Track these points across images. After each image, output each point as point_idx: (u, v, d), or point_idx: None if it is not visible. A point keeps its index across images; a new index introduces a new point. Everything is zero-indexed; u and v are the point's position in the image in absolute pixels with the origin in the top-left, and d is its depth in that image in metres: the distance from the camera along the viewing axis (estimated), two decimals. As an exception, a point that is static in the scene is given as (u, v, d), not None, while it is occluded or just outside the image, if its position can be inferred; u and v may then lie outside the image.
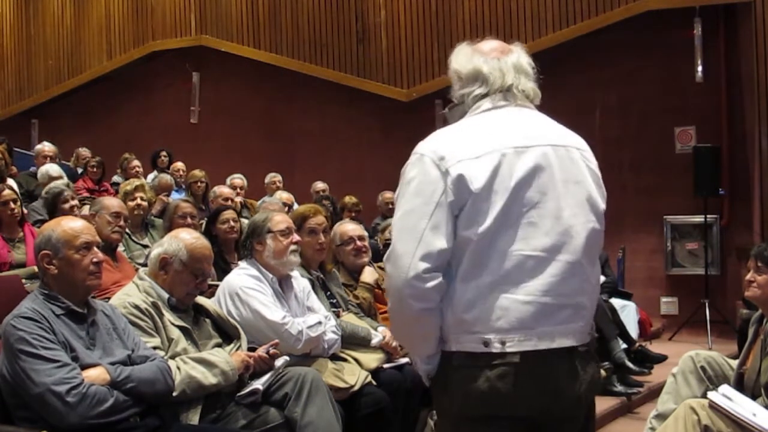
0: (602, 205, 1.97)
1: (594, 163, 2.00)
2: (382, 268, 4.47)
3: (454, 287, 1.83)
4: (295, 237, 3.53)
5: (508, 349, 1.79)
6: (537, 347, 1.80)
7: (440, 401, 1.94)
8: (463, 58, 2.02)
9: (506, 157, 1.83)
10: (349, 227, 4.32)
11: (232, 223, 4.58)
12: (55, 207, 4.77)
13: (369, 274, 4.20)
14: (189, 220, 4.73)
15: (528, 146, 1.86)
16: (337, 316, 3.69)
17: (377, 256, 4.63)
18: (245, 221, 4.58)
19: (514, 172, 1.83)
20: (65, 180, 5.31)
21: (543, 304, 1.81)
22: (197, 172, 7.56)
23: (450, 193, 1.80)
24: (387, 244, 5.05)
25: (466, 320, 1.82)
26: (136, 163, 8.41)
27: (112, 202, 4.35)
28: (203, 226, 4.84)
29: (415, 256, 1.79)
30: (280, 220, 3.54)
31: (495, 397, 1.79)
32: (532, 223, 1.83)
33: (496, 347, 1.80)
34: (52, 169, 6.67)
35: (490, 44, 2.03)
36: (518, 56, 2.00)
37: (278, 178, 8.45)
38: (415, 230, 1.80)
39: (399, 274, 1.81)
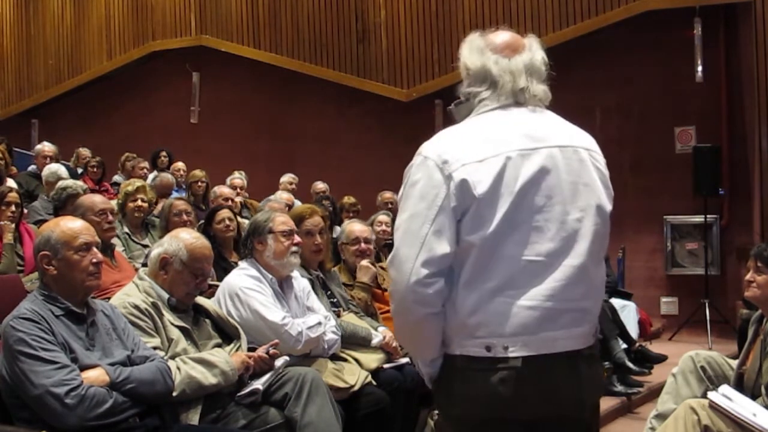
0: (609, 206, 1.94)
1: (602, 163, 1.97)
2: (384, 269, 4.48)
3: (457, 292, 1.81)
4: (296, 239, 3.52)
5: (511, 354, 1.78)
6: (539, 352, 1.79)
7: (442, 404, 1.94)
8: (475, 54, 1.94)
9: (511, 160, 1.81)
10: (357, 228, 4.33)
11: (227, 222, 4.55)
12: (64, 206, 4.71)
13: (365, 273, 4.19)
14: (185, 217, 4.71)
15: (534, 148, 1.83)
16: (338, 315, 3.68)
17: (377, 255, 4.62)
18: (246, 221, 4.57)
19: (519, 176, 1.80)
20: (83, 185, 5.32)
21: (547, 309, 1.80)
22: (198, 172, 7.54)
23: (453, 198, 1.78)
24: (386, 244, 5.07)
25: (469, 325, 1.80)
26: (139, 161, 8.35)
27: (93, 200, 4.08)
28: (201, 225, 4.83)
29: (417, 261, 1.78)
30: (283, 221, 3.53)
31: (496, 401, 1.79)
32: (538, 228, 1.81)
33: (498, 352, 1.78)
34: (60, 169, 6.68)
35: (503, 38, 1.95)
36: (532, 54, 1.94)
37: (295, 179, 8.37)
38: (418, 235, 1.79)
39: (402, 278, 1.81)
